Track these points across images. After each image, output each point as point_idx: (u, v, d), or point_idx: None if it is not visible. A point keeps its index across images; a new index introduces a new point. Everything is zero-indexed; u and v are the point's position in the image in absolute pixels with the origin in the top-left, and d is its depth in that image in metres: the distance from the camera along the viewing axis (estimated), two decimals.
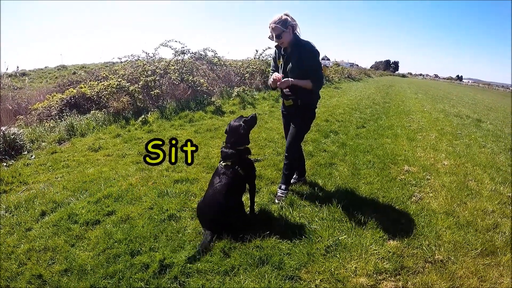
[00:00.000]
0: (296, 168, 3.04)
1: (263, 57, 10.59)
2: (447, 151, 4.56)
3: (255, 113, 2.52)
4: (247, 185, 2.40)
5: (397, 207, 2.66)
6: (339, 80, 18.97)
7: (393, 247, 2.06)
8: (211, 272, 1.86)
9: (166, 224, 2.37)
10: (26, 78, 16.78)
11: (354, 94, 12.49)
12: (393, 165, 3.76)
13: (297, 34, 2.55)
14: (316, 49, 2.55)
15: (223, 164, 2.25)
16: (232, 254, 2.01)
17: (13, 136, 3.97)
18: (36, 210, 2.72)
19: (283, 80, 2.51)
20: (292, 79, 2.53)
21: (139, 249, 2.08)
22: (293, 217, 2.44)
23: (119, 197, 2.88)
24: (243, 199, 2.47)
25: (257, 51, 10.63)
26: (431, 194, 2.96)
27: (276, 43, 2.56)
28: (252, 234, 2.15)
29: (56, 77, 14.82)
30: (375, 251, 2.04)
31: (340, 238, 2.16)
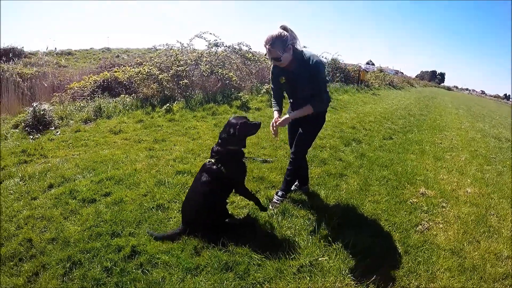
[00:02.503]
0: (299, 175, 3.05)
1: None
2: (475, 176, 4.21)
3: (260, 122, 2.48)
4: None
5: (398, 234, 2.52)
6: (379, 86, 18.64)
7: (375, 281, 1.94)
8: (176, 266, 1.93)
9: (153, 213, 2.52)
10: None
11: (391, 102, 12.13)
12: (408, 185, 3.57)
13: (298, 48, 2.42)
14: (323, 62, 2.52)
15: (210, 161, 2.30)
16: (202, 253, 2.07)
17: (43, 112, 4.57)
18: (46, 182, 3.05)
19: (282, 120, 2.54)
20: (292, 114, 2.56)
21: (120, 231, 2.25)
22: (279, 227, 2.42)
23: (120, 180, 3.10)
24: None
25: None
26: (441, 225, 2.77)
27: None
28: (230, 238, 2.20)
29: (100, 59, 16.33)
30: (353, 283, 1.94)
31: (319, 259, 2.10)
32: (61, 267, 1.97)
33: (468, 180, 4.06)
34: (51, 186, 3.06)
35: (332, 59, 15.10)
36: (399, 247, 2.40)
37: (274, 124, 2.56)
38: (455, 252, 2.40)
